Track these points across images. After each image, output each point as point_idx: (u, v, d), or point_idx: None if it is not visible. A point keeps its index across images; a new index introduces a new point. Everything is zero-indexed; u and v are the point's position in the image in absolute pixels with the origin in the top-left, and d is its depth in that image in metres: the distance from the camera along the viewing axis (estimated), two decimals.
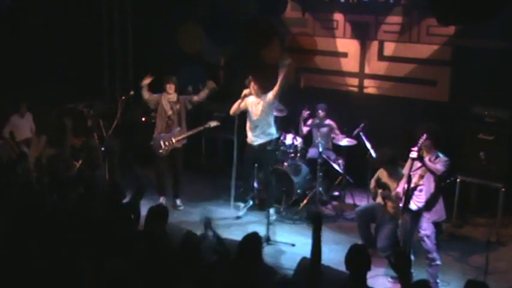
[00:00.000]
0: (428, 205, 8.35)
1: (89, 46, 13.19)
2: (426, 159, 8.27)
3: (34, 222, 7.18)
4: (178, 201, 11.59)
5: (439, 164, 8.24)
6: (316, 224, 6.48)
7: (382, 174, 9.31)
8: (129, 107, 11.71)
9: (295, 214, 11.20)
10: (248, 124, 10.88)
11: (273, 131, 10.89)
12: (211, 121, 11.38)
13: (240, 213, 11.14)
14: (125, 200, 8.13)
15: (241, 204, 11.29)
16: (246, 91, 10.71)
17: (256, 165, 11.23)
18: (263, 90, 10.66)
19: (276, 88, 10.53)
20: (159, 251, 6.65)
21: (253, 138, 10.81)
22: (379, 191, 9.19)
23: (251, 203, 11.38)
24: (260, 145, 10.78)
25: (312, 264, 6.42)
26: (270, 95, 10.62)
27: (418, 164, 8.35)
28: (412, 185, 8.32)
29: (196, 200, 11.78)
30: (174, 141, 11.20)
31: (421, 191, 8.37)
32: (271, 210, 10.77)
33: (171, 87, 11.14)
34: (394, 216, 8.84)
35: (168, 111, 11.18)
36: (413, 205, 8.40)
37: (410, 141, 8.45)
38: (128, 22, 13.73)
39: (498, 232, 10.22)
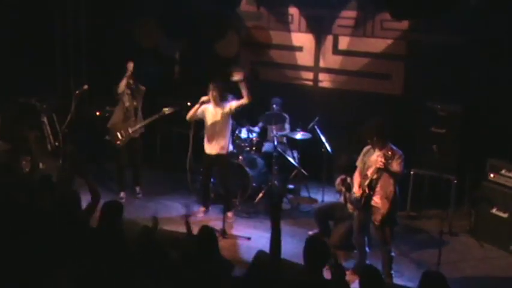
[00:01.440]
0: (386, 199, 8.41)
1: (41, 38, 13.03)
2: (379, 154, 8.32)
3: None
4: (137, 189, 11.62)
5: (395, 164, 8.29)
6: (274, 216, 6.50)
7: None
8: (83, 101, 11.60)
9: (250, 208, 11.22)
10: (205, 134, 10.68)
11: (228, 144, 10.70)
12: (165, 108, 11.28)
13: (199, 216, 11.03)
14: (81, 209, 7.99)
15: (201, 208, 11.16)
16: (204, 98, 10.50)
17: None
18: (222, 98, 10.50)
19: (241, 102, 10.36)
20: (114, 247, 6.63)
21: (210, 149, 10.62)
22: (343, 190, 9.26)
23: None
24: (217, 155, 10.59)
25: (272, 257, 6.44)
26: (232, 105, 10.44)
27: (373, 157, 8.43)
28: (368, 180, 8.40)
29: (152, 194, 11.74)
30: (130, 131, 11.15)
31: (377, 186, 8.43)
32: (229, 214, 10.74)
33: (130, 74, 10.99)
34: (352, 215, 8.92)
35: (126, 103, 11.12)
36: (372, 200, 8.47)
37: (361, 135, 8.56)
38: (81, 14, 13.58)
39: (450, 223, 10.37)
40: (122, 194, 11.45)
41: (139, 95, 11.19)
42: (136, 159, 11.57)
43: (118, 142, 11.24)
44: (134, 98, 11.13)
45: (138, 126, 11.21)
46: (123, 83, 10.96)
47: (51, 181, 8.34)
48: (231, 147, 10.83)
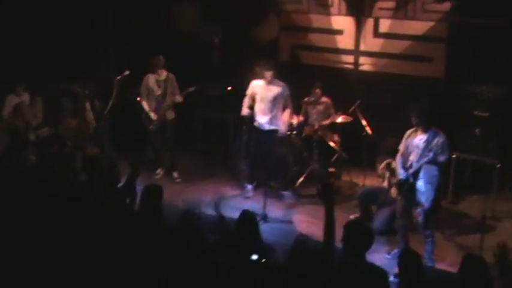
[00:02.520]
0: (429, 184, 8.36)
1: (82, 26, 13.12)
2: (423, 138, 8.27)
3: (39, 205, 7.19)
4: (175, 174, 11.77)
5: (440, 156, 8.22)
6: (326, 197, 6.43)
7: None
8: (124, 87, 11.68)
9: (292, 191, 11.21)
10: (257, 107, 10.74)
11: (280, 122, 10.77)
12: (188, 88, 11.41)
13: (248, 195, 11.10)
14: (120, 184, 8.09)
15: (249, 186, 11.20)
16: (253, 82, 10.71)
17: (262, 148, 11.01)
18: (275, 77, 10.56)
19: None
20: (154, 230, 6.67)
21: (263, 123, 10.68)
22: (387, 175, 9.22)
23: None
24: (270, 131, 10.68)
25: (325, 241, 6.38)
26: (287, 91, 10.65)
27: (415, 140, 8.38)
28: (409, 163, 8.37)
29: (192, 179, 11.80)
30: (161, 113, 11.35)
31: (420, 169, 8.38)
32: (287, 193, 10.77)
33: (162, 71, 11.32)
34: (396, 200, 8.88)
35: (156, 91, 11.39)
36: (417, 183, 8.42)
37: (406, 117, 8.49)
38: (121, 1, 13.65)
39: (493, 208, 10.26)
40: (159, 170, 11.86)
41: (169, 83, 11.35)
42: (170, 143, 11.77)
43: (151, 127, 11.52)
44: (164, 87, 11.37)
45: (166, 107, 11.40)
46: (151, 78, 11.35)
47: (96, 161, 8.48)
48: (282, 127, 10.85)
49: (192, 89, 11.34)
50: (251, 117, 10.82)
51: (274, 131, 10.69)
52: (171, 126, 11.64)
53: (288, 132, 11.38)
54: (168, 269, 6.04)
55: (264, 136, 10.67)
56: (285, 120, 10.73)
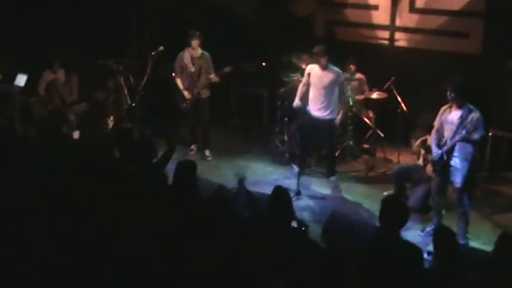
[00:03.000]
0: (465, 161, 8.30)
1: (116, 2, 13.18)
2: (458, 115, 8.20)
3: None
4: (207, 152, 11.75)
5: (475, 134, 8.14)
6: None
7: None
8: (158, 63, 11.72)
9: (325, 168, 11.20)
10: (311, 94, 10.44)
11: (336, 109, 10.48)
12: (224, 68, 11.35)
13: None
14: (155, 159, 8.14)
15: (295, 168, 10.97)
16: (309, 67, 10.47)
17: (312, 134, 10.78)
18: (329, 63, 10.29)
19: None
20: (190, 205, 6.71)
21: (316, 111, 10.40)
22: (422, 152, 9.18)
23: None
24: (323, 120, 10.39)
25: None
26: (342, 77, 10.44)
27: (449, 116, 8.31)
28: (444, 140, 8.31)
29: (226, 155, 11.82)
30: (195, 92, 11.33)
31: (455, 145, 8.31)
32: (333, 178, 10.67)
33: (195, 43, 11.19)
34: (431, 178, 8.84)
35: (190, 68, 11.29)
36: (452, 160, 8.36)
37: (442, 94, 8.41)
38: None
39: None
40: (193, 146, 11.94)
41: (204, 61, 11.29)
42: (204, 121, 11.73)
43: (184, 105, 11.49)
44: (198, 64, 11.29)
45: (201, 86, 11.34)
46: (186, 55, 11.26)
47: (129, 136, 8.57)
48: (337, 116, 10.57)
49: (228, 69, 11.30)
50: (303, 107, 10.62)
51: (329, 120, 10.42)
52: (205, 105, 11.59)
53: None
54: (211, 246, 6.10)
55: (317, 124, 10.44)
56: (340, 108, 10.54)
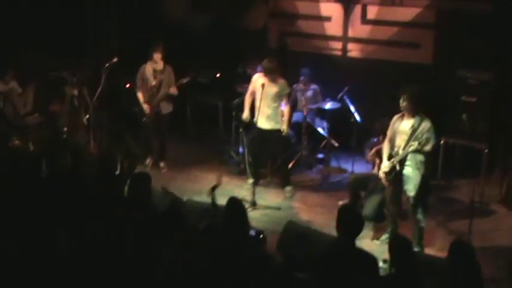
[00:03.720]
0: (418, 170, 8.39)
1: (71, 12, 13.06)
2: (409, 124, 8.29)
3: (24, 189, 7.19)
4: (162, 164, 11.66)
5: (425, 145, 8.19)
6: None
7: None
8: (113, 74, 11.65)
9: (280, 178, 11.24)
10: (257, 105, 10.32)
11: (281, 121, 10.45)
12: (181, 79, 11.31)
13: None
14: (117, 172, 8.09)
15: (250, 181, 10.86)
16: (255, 77, 10.48)
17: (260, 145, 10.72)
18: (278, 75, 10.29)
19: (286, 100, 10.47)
20: (142, 216, 6.69)
21: (263, 122, 10.37)
22: (377, 161, 9.26)
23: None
24: (270, 130, 10.41)
25: None
26: (287, 89, 10.41)
27: (401, 125, 8.40)
28: (398, 157, 8.39)
29: (182, 165, 11.80)
30: (154, 104, 11.24)
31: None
32: (288, 188, 10.72)
33: (157, 56, 11.08)
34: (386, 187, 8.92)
35: (151, 82, 11.20)
36: (405, 169, 8.45)
37: (395, 103, 8.50)
38: None
39: (482, 193, 10.31)
40: (148, 160, 11.72)
41: (165, 75, 11.21)
42: (162, 136, 11.64)
43: (144, 119, 11.40)
44: (159, 77, 11.20)
45: (158, 100, 11.24)
46: (148, 68, 11.18)
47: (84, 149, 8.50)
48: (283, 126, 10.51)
49: (185, 80, 11.26)
50: (251, 118, 10.61)
51: (276, 131, 10.42)
52: (165, 120, 11.49)
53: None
54: (165, 255, 6.09)
55: (265, 135, 10.45)
56: (285, 119, 10.52)
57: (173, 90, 11.24)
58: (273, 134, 10.41)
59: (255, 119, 10.41)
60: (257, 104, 10.27)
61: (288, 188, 10.67)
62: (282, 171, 10.84)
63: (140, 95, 11.35)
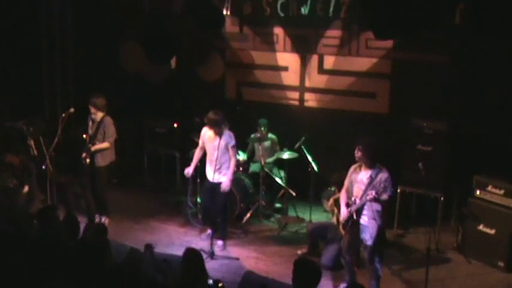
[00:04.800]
0: (374, 220, 8.42)
1: (28, 62, 13.03)
2: (367, 174, 8.36)
3: None
4: (103, 218, 11.32)
5: (385, 194, 8.30)
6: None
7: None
8: (69, 125, 11.60)
9: (238, 228, 11.22)
10: (206, 158, 10.47)
11: (226, 174, 10.38)
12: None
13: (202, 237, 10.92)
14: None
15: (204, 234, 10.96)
16: (203, 131, 10.48)
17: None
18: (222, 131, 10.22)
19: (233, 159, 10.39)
20: (99, 269, 6.62)
21: (211, 175, 10.36)
22: (336, 211, 9.28)
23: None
24: (218, 182, 10.33)
25: None
26: (232, 142, 10.29)
27: (359, 176, 8.46)
28: (353, 198, 8.45)
29: (139, 216, 11.69)
30: (84, 157, 10.97)
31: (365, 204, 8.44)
32: (220, 242, 10.55)
33: (96, 112, 10.88)
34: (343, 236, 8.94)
35: (89, 130, 11.07)
36: (361, 219, 8.49)
37: (352, 153, 8.56)
38: (68, 38, 13.60)
39: (438, 240, 10.40)
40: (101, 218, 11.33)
41: (102, 125, 10.93)
42: (99, 189, 11.26)
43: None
44: (95, 128, 10.95)
45: (85, 153, 10.93)
46: (90, 119, 11.02)
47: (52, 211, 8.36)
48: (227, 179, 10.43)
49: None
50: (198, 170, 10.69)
51: (220, 184, 10.37)
52: (101, 173, 11.09)
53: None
54: None
55: (212, 187, 10.42)
56: (230, 172, 10.40)
57: (103, 145, 10.97)
58: (219, 187, 10.34)
59: (206, 171, 10.46)
60: (207, 156, 10.39)
61: (220, 243, 10.55)
62: (220, 223, 10.69)
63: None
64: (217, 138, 10.09)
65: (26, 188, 11.47)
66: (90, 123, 11.07)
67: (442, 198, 10.56)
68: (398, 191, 10.70)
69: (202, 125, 10.76)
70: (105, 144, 10.95)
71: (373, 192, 8.08)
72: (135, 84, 12.76)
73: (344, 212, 8.57)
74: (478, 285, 9.41)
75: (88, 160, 10.94)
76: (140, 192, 13.02)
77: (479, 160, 10.55)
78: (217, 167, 10.21)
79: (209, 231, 10.64)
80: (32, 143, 11.80)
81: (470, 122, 10.74)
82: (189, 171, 10.65)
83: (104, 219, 11.28)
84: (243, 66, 13.20)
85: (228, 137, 10.26)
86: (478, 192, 10.18)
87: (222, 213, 10.60)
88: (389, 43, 11.58)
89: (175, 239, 10.70)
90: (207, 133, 10.36)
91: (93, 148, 10.91)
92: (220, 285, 6.87)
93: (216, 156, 10.13)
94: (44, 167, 11.08)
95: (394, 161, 9.94)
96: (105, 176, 11.22)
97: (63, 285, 6.36)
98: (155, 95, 13.11)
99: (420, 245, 10.33)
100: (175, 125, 12.94)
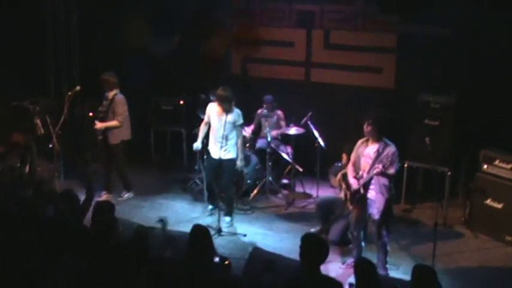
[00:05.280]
0: (381, 194, 8.42)
1: (33, 41, 12.99)
2: (374, 149, 8.34)
3: None
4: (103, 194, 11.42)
5: (391, 168, 8.31)
6: None
7: None
8: (76, 103, 11.60)
9: (245, 204, 11.24)
10: (210, 135, 10.41)
11: (235, 149, 10.36)
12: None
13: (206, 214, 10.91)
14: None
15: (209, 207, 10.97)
16: (209, 107, 10.43)
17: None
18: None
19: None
20: (109, 245, 6.63)
21: (215, 151, 10.28)
22: (344, 186, 9.27)
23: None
24: (223, 160, 10.23)
25: None
26: (240, 120, 10.27)
27: (366, 150, 8.44)
28: (360, 173, 8.45)
29: (146, 194, 11.72)
30: (98, 135, 11.11)
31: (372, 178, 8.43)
32: (228, 219, 10.55)
33: (109, 90, 10.95)
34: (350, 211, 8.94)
35: (101, 107, 11.10)
36: (368, 193, 8.48)
37: (358, 127, 8.54)
38: (72, 16, 13.55)
39: (445, 215, 10.39)
40: (103, 192, 11.40)
41: (112, 104, 10.97)
42: (115, 166, 11.42)
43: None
44: (107, 106, 11.00)
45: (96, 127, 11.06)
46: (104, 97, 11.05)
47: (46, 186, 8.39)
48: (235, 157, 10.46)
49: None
50: (204, 146, 10.65)
51: (228, 160, 10.30)
52: (115, 150, 11.19)
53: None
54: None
55: (216, 164, 10.31)
56: (240, 151, 10.40)
57: (99, 125, 11.02)
58: (225, 164, 10.32)
59: (209, 147, 10.45)
60: (211, 133, 10.33)
61: (227, 219, 10.58)
62: (225, 200, 10.68)
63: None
64: (225, 115, 10.04)
65: (27, 168, 11.50)
66: (104, 101, 11.07)
67: (449, 173, 10.55)
68: (405, 166, 10.69)
69: (208, 101, 10.74)
70: (113, 122, 10.97)
71: (380, 166, 8.07)
72: (141, 62, 12.73)
73: (354, 182, 8.56)
74: (486, 260, 9.41)
75: (100, 137, 11.00)
76: (147, 169, 13.03)
77: (486, 134, 10.53)
78: (223, 144, 10.13)
79: (211, 206, 10.81)
80: (38, 121, 11.79)
81: (477, 96, 10.69)
82: (198, 145, 10.64)
83: (103, 194, 11.30)
84: (248, 42, 13.15)
85: (237, 115, 10.21)
86: (485, 166, 10.16)
87: (228, 189, 10.60)
88: (395, 17, 11.51)
89: (182, 216, 10.71)
90: (214, 109, 10.30)
91: (98, 125, 10.94)
92: (226, 262, 6.89)
93: (222, 133, 10.10)
94: (50, 145, 11.11)
95: (401, 135, 9.91)
96: (118, 153, 11.27)
97: (72, 262, 6.39)
98: (161, 72, 13.08)
99: (427, 220, 10.35)
100: (181, 102, 12.91)
